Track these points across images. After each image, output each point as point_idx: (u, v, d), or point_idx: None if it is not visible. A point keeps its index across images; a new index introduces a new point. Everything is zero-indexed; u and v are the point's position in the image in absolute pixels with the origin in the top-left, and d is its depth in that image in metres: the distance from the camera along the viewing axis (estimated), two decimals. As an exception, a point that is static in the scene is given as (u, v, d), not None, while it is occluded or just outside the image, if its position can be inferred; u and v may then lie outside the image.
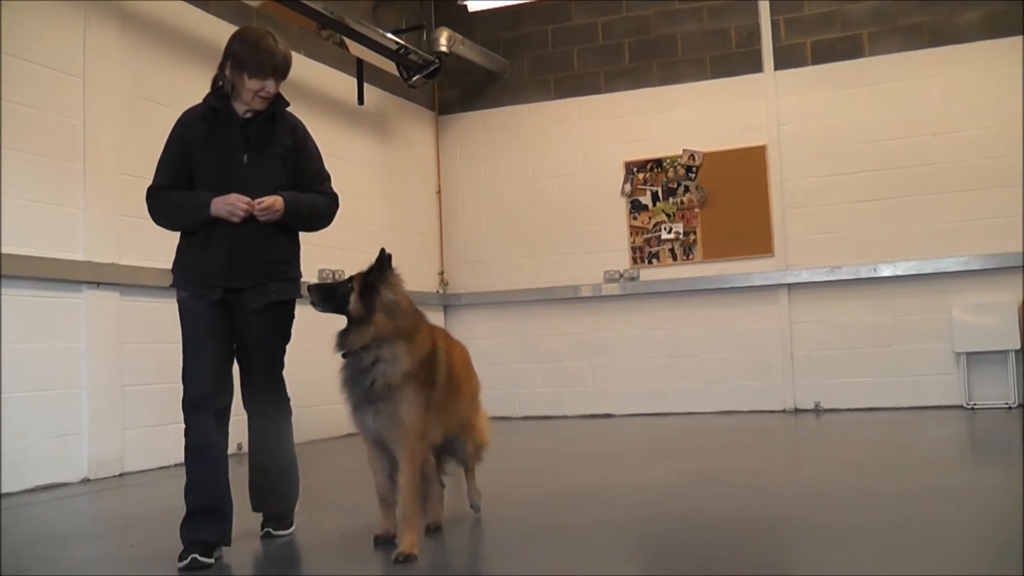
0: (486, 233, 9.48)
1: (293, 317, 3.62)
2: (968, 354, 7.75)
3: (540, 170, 9.32)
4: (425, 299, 8.84)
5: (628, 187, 8.97)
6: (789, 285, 8.36)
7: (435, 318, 9.01)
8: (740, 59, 8.69)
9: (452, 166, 9.69)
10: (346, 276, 3.41)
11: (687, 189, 8.77)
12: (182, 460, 3.37)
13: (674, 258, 8.79)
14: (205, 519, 3.28)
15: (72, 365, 5.45)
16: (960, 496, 4.08)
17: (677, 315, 8.71)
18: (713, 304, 8.60)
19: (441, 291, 9.48)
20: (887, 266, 8.06)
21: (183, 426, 3.37)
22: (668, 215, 8.83)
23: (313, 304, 3.34)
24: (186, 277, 3.46)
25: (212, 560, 3.21)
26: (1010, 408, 7.55)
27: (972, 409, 7.64)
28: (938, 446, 6.07)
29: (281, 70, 3.47)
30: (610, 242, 8.97)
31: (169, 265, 3.54)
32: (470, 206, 9.58)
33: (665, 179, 8.85)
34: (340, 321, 3.33)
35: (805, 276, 8.31)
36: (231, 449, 3.47)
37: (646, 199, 8.91)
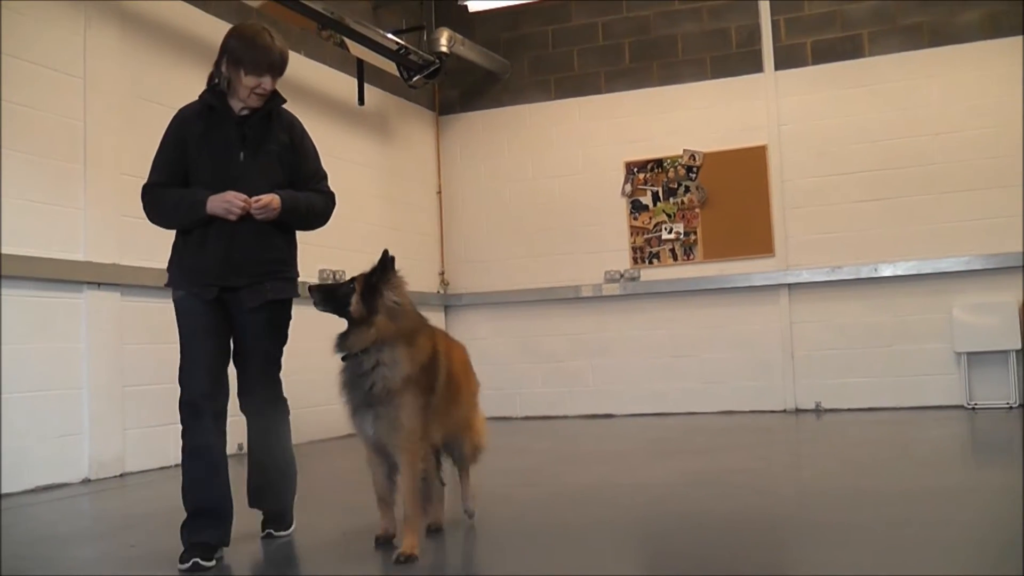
0: (487, 233, 9.48)
1: (290, 317, 3.58)
2: (969, 354, 7.75)
3: (540, 170, 9.32)
4: (425, 299, 8.85)
5: (628, 187, 8.97)
6: (789, 285, 8.36)
7: (435, 318, 9.02)
8: (740, 59, 8.69)
9: (452, 166, 9.68)
10: (347, 276, 3.39)
11: (687, 189, 8.77)
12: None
13: (675, 258, 8.78)
14: (206, 522, 3.27)
15: (73, 365, 5.45)
16: (960, 496, 4.08)
17: (678, 315, 8.71)
18: (714, 304, 8.60)
19: (441, 291, 9.48)
20: (887, 266, 8.06)
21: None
22: (669, 215, 8.83)
23: (315, 304, 3.31)
24: (182, 276, 3.43)
25: (213, 563, 3.20)
26: (1011, 408, 7.55)
27: (973, 409, 7.63)
28: (938, 446, 6.06)
29: (278, 67, 3.43)
30: (611, 242, 8.97)
31: (169, 265, 3.53)
32: (470, 206, 9.58)
33: (665, 179, 8.85)
34: (339, 322, 3.31)
35: (805, 276, 8.31)
36: (232, 449, 3.47)
37: (647, 199, 8.91)
